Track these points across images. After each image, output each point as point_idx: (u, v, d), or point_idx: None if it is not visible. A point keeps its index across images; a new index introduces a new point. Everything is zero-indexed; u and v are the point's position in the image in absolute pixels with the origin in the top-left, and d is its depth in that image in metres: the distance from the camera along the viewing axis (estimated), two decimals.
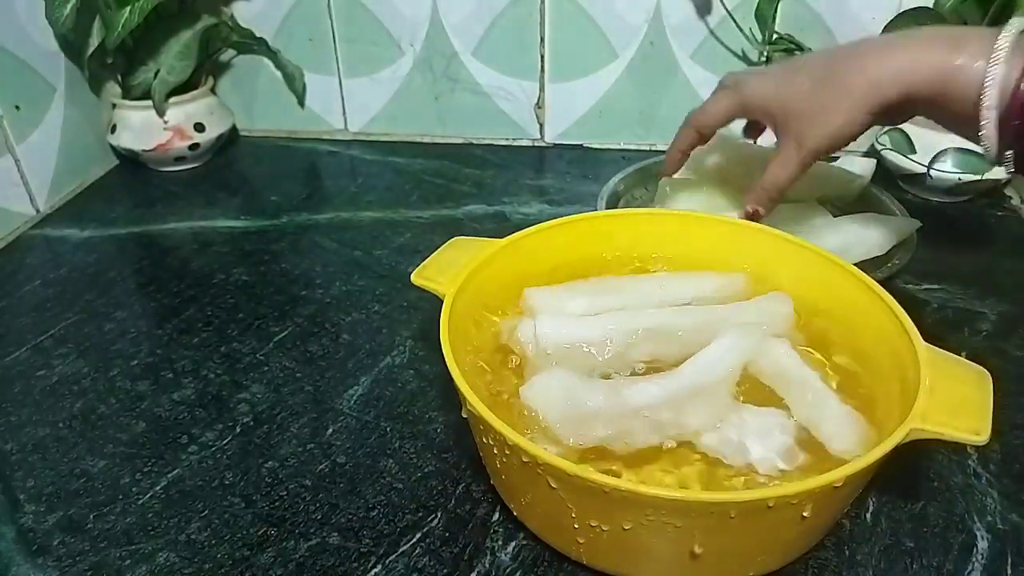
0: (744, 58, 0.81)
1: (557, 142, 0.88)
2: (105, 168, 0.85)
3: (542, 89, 0.85)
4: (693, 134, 0.56)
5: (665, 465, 0.40)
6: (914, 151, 0.72)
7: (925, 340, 0.40)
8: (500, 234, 0.50)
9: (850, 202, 0.65)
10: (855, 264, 0.46)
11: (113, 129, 0.82)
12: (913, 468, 0.46)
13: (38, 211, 0.76)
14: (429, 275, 0.46)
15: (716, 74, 0.81)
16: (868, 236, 0.59)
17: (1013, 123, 0.40)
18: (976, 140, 0.43)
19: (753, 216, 0.52)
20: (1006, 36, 0.41)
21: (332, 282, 0.65)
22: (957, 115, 0.43)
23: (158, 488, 0.46)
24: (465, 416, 0.40)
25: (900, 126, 0.74)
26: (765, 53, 0.79)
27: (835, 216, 0.62)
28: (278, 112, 0.91)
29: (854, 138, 0.48)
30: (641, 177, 0.71)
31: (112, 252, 0.71)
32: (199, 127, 0.83)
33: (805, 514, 0.34)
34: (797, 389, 0.42)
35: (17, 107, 0.73)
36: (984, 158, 0.44)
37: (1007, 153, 0.42)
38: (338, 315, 0.61)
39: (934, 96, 0.43)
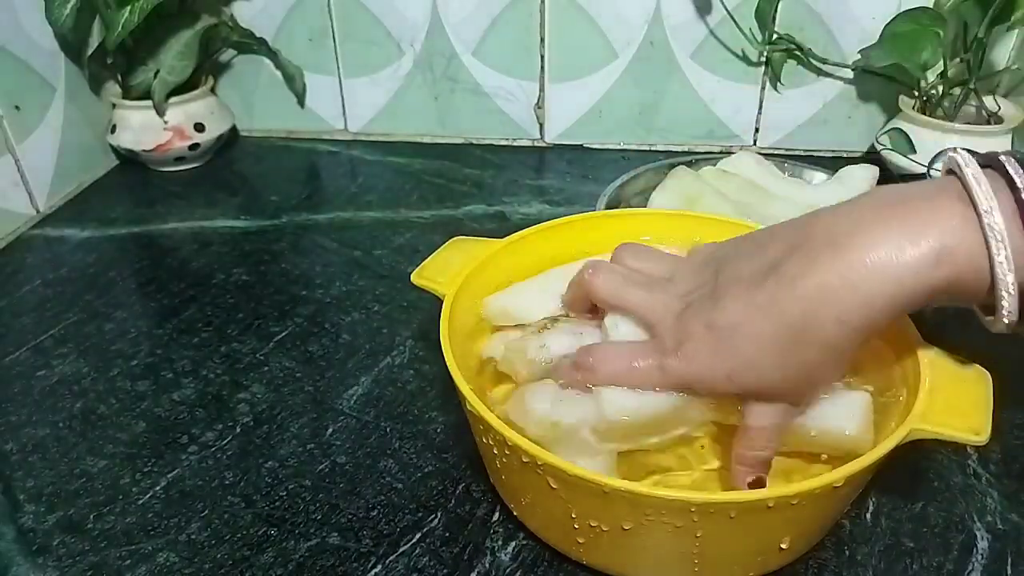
0: (744, 58, 0.81)
1: (557, 142, 0.88)
2: (105, 168, 0.85)
3: (542, 89, 0.85)
4: (584, 386, 0.40)
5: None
6: (914, 151, 0.72)
7: (925, 340, 0.40)
8: (500, 234, 0.50)
9: None
10: None
11: (113, 129, 0.82)
12: (913, 468, 0.46)
13: (38, 211, 0.76)
14: (429, 275, 0.46)
15: (716, 74, 0.82)
16: None
17: None
18: (985, 309, 0.36)
19: (757, 484, 0.39)
20: (979, 191, 0.32)
21: (332, 282, 0.65)
22: (963, 298, 0.35)
23: (158, 488, 0.46)
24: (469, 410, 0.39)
25: (900, 126, 0.74)
26: (765, 53, 0.80)
27: None
28: (278, 112, 0.91)
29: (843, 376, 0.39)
30: (644, 179, 0.72)
31: (112, 252, 0.71)
32: (199, 127, 0.83)
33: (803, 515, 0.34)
34: None
35: (17, 107, 0.73)
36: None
37: None
38: (338, 315, 0.61)
39: (930, 301, 0.34)
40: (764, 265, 0.36)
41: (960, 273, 0.32)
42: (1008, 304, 0.33)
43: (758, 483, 0.38)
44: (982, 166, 0.33)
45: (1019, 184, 0.31)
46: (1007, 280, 0.32)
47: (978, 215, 0.31)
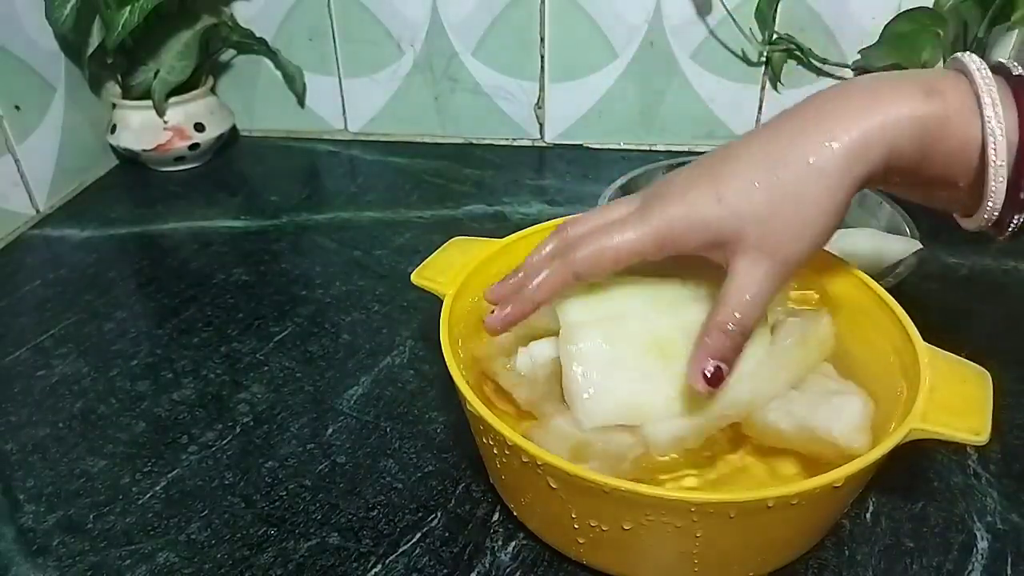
0: (744, 58, 0.81)
1: (557, 142, 0.88)
2: (105, 168, 0.85)
3: (542, 89, 0.85)
4: (568, 279, 0.39)
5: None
6: None
7: (925, 340, 0.40)
8: (500, 234, 0.50)
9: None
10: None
11: (113, 129, 0.82)
12: (913, 468, 0.46)
13: (38, 211, 0.76)
14: (429, 275, 0.46)
15: (716, 74, 0.82)
16: (866, 254, 0.56)
17: None
18: (968, 203, 0.37)
19: (715, 379, 0.36)
20: (977, 67, 0.34)
21: (332, 282, 0.65)
22: (943, 177, 0.36)
23: (158, 488, 0.46)
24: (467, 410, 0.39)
25: None
26: (765, 53, 0.79)
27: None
28: (278, 112, 0.91)
29: (839, 226, 0.36)
30: (644, 179, 0.72)
31: (112, 252, 0.71)
32: (199, 127, 0.83)
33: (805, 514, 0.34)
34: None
35: (17, 107, 0.73)
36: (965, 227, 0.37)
37: (1016, 218, 0.35)
38: (338, 315, 0.61)
39: (919, 154, 0.34)
40: (752, 136, 0.37)
41: (948, 115, 0.34)
42: (995, 188, 0.34)
43: (717, 376, 0.36)
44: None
45: (1010, 68, 0.34)
46: (996, 135, 0.33)
47: (970, 77, 0.34)
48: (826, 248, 0.47)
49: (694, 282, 0.42)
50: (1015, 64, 0.34)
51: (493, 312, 0.41)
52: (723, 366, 0.36)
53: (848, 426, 0.38)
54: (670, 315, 0.40)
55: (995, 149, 0.33)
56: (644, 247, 0.37)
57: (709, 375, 0.36)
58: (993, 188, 0.34)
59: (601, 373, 0.39)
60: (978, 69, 0.34)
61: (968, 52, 0.35)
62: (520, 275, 0.41)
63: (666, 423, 0.39)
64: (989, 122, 0.33)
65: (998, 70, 0.35)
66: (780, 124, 0.36)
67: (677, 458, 0.39)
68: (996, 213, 0.35)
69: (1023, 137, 0.33)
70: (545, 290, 0.39)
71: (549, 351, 0.42)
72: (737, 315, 0.36)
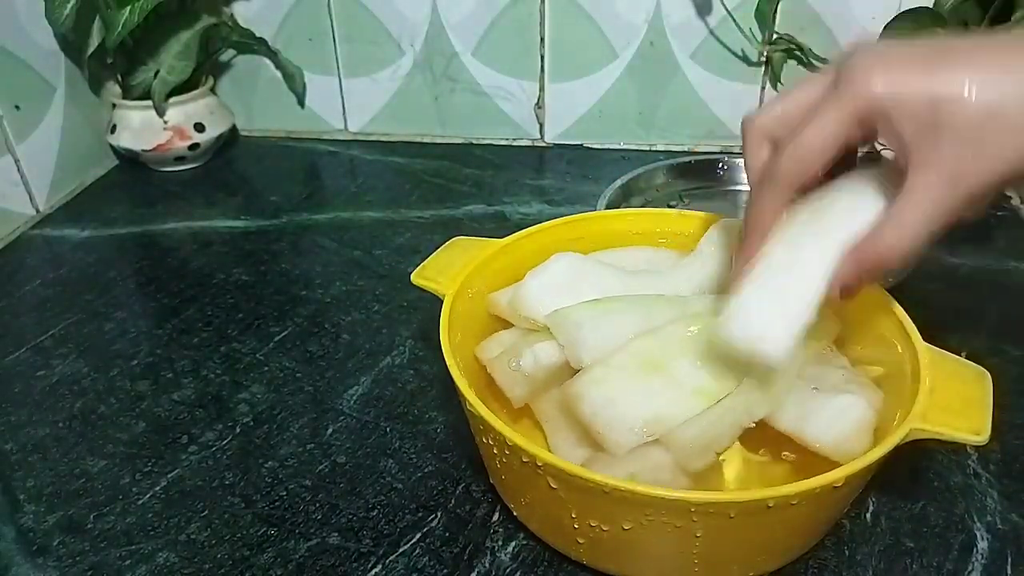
0: (744, 58, 0.81)
1: (557, 142, 0.88)
2: (105, 168, 0.85)
3: (542, 89, 0.85)
4: (784, 200, 0.36)
5: None
6: None
7: (925, 340, 0.40)
8: (500, 234, 0.50)
9: None
10: None
11: (113, 129, 0.82)
12: (913, 468, 0.46)
13: (38, 211, 0.76)
14: (429, 275, 0.46)
15: (716, 74, 0.82)
16: None
17: None
18: None
19: (847, 293, 0.35)
20: None
21: (332, 282, 0.65)
22: None
23: (158, 488, 0.46)
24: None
25: None
26: (765, 53, 0.79)
27: None
28: (278, 112, 0.91)
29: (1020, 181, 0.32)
30: (644, 179, 0.72)
31: (112, 252, 0.71)
32: (199, 127, 0.83)
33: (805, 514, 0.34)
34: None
35: (17, 107, 0.73)
36: None
37: None
38: (338, 315, 0.61)
39: None
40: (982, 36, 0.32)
41: None
42: None
43: (848, 291, 0.34)
44: None
45: None
46: None
47: None
48: None
49: (681, 302, 0.44)
50: None
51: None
52: (856, 286, 0.35)
53: (840, 434, 0.38)
54: (656, 336, 0.41)
55: None
56: (847, 131, 0.33)
57: (845, 290, 0.35)
58: None
59: (609, 411, 0.39)
60: None
61: None
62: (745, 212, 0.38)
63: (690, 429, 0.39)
64: None
65: None
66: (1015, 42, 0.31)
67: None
68: None
69: None
70: (763, 218, 0.36)
71: (553, 352, 0.43)
72: (893, 242, 0.33)
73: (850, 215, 0.35)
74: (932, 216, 0.32)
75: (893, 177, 0.34)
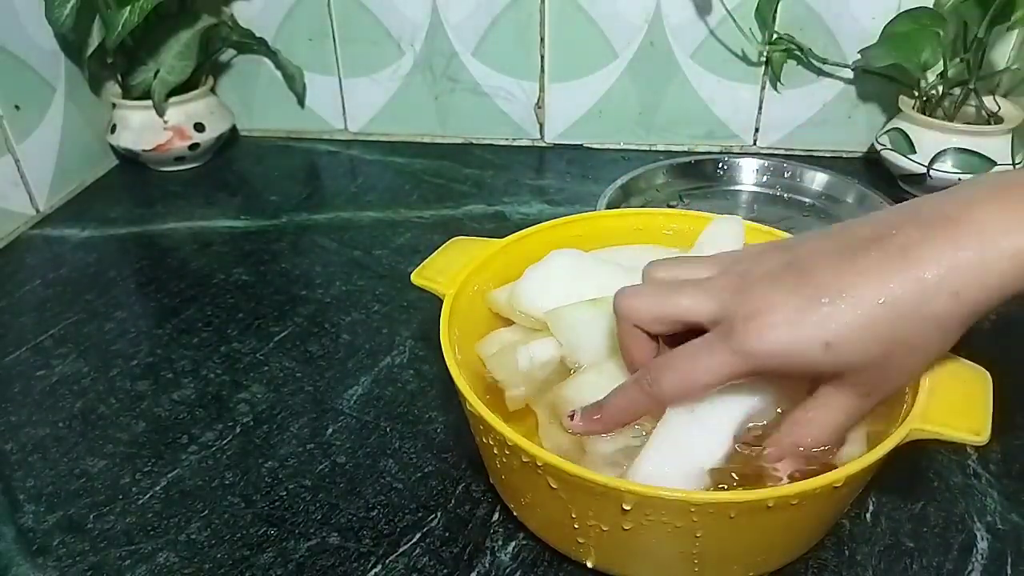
0: (744, 58, 0.81)
1: (557, 142, 0.88)
2: (105, 168, 0.85)
3: (542, 89, 0.85)
4: (653, 406, 0.37)
5: None
6: (914, 151, 0.72)
7: None
8: (500, 234, 0.50)
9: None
10: None
11: (113, 129, 0.82)
12: (913, 468, 0.46)
13: (38, 211, 0.76)
14: (429, 275, 0.46)
15: (716, 74, 0.82)
16: None
17: None
18: None
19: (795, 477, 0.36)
20: None
21: (332, 282, 0.65)
22: None
23: (158, 488, 0.46)
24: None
25: (900, 126, 0.74)
26: (765, 53, 0.79)
27: None
28: (278, 112, 0.91)
29: None
30: (644, 179, 0.72)
31: (112, 252, 0.71)
32: (199, 127, 0.83)
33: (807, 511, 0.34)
34: None
35: (17, 107, 0.73)
36: None
37: None
38: (338, 315, 0.61)
39: None
40: (856, 240, 0.33)
41: None
42: None
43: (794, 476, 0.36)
44: None
45: None
46: None
47: None
48: None
49: None
50: None
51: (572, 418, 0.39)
52: (798, 474, 0.36)
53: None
54: None
55: None
56: (735, 374, 0.34)
57: (795, 475, 0.36)
58: None
59: None
60: None
61: None
62: (600, 401, 0.39)
63: None
64: None
65: None
66: (892, 259, 0.32)
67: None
68: None
69: None
70: (626, 411, 0.38)
71: (550, 350, 0.43)
72: (808, 441, 0.36)
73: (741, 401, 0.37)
74: (852, 415, 0.35)
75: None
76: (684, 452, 0.36)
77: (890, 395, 0.35)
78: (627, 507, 0.33)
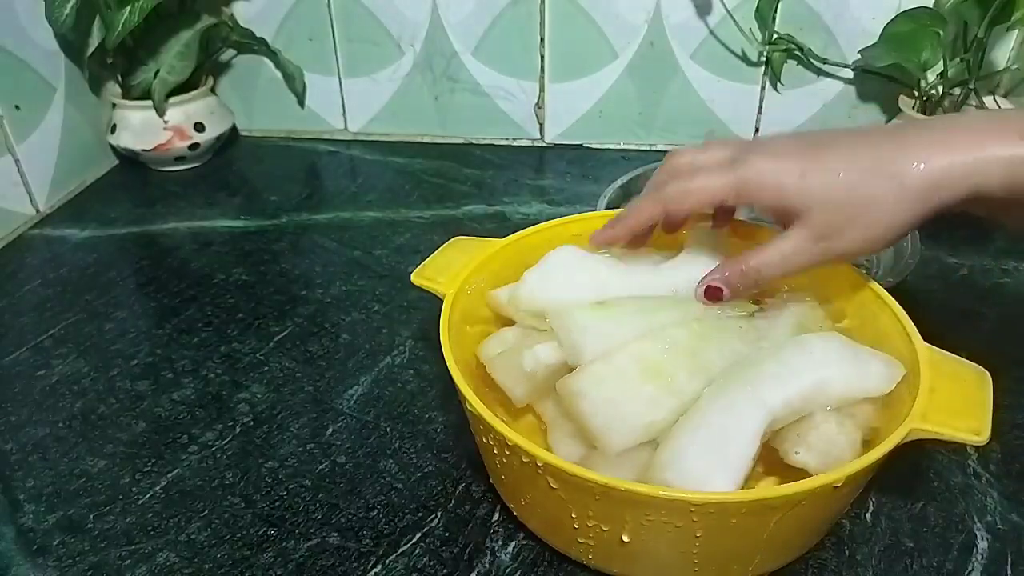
0: (744, 58, 0.81)
1: (557, 142, 0.88)
2: (105, 168, 0.85)
3: (542, 89, 0.85)
4: (658, 210, 0.42)
5: None
6: None
7: (925, 340, 0.40)
8: (500, 234, 0.50)
9: None
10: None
11: (113, 129, 0.82)
12: (913, 468, 0.46)
13: (38, 211, 0.76)
14: (429, 275, 0.46)
15: (716, 74, 0.82)
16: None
17: None
18: None
19: (711, 294, 0.42)
20: None
21: (332, 282, 0.65)
22: None
23: (158, 488, 0.46)
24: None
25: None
26: (765, 53, 0.79)
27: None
28: (278, 112, 0.91)
29: (895, 242, 0.40)
30: (644, 179, 0.71)
31: (112, 252, 0.71)
32: (199, 127, 0.83)
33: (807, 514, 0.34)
34: None
35: (17, 107, 0.73)
36: None
37: None
38: (338, 315, 0.61)
39: (1006, 192, 0.36)
40: (862, 128, 0.40)
41: None
42: None
43: (714, 294, 0.42)
44: None
45: None
46: None
47: None
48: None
49: (687, 304, 0.44)
50: None
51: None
52: (724, 290, 0.42)
53: (826, 461, 0.38)
54: (659, 338, 0.42)
55: None
56: (724, 194, 0.40)
57: (709, 290, 0.42)
58: None
59: (608, 412, 0.39)
60: None
61: None
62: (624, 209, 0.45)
63: None
64: None
65: None
66: (886, 133, 0.38)
67: None
68: None
69: None
70: (638, 215, 0.44)
71: (554, 352, 0.43)
72: (760, 267, 0.40)
73: (778, 381, 0.38)
74: (800, 257, 0.39)
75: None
76: (720, 446, 0.37)
77: (850, 249, 0.39)
78: (627, 508, 0.33)
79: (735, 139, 0.43)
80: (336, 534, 0.43)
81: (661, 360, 0.40)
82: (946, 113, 0.38)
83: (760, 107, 0.83)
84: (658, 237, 0.52)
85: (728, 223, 0.48)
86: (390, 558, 0.42)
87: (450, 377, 0.38)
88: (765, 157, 0.39)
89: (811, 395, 0.38)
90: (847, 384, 0.39)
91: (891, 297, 0.43)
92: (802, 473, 0.38)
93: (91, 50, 0.77)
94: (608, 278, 0.46)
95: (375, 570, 0.41)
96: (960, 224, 0.72)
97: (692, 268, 0.47)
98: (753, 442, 0.37)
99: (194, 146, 0.83)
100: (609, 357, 0.40)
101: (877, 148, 0.37)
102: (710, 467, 0.36)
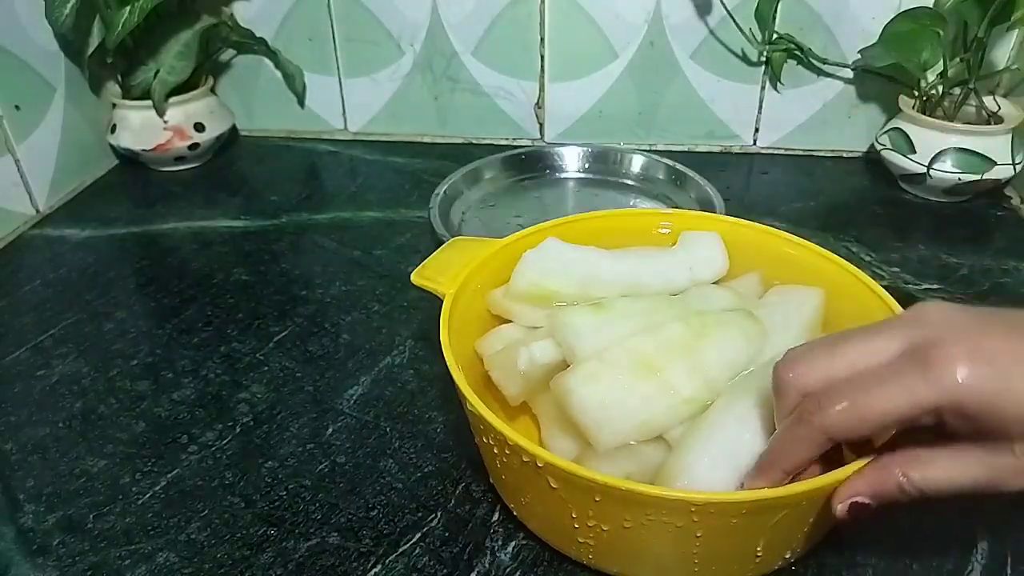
0: (744, 58, 0.81)
1: (557, 142, 0.88)
2: (105, 168, 0.85)
3: (542, 89, 0.85)
4: (817, 450, 0.32)
5: None
6: (914, 151, 0.72)
7: None
8: (500, 234, 0.50)
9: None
10: None
11: (113, 129, 0.82)
12: None
13: (38, 211, 0.76)
14: (429, 275, 0.46)
15: (716, 74, 0.82)
16: None
17: None
18: None
19: (855, 511, 0.32)
20: None
21: (332, 282, 0.65)
22: None
23: (158, 488, 0.46)
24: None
25: (900, 125, 0.74)
26: (765, 53, 0.79)
27: None
28: (278, 112, 0.91)
29: None
30: (470, 177, 0.77)
31: (112, 252, 0.71)
32: (199, 127, 0.83)
33: (810, 519, 0.34)
34: None
35: (17, 107, 0.73)
36: None
37: None
38: (338, 315, 0.61)
39: None
40: None
41: None
42: None
43: (860, 510, 0.32)
44: None
45: None
46: None
47: None
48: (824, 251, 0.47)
49: (683, 304, 0.45)
50: None
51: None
52: (873, 506, 0.32)
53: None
54: (655, 335, 0.42)
55: None
56: (921, 408, 0.29)
57: (854, 507, 0.32)
58: None
59: (598, 412, 0.39)
60: None
61: None
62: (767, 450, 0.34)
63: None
64: None
65: None
66: None
67: None
68: None
69: None
70: (792, 461, 0.33)
71: (550, 351, 0.43)
72: (925, 486, 0.32)
73: None
74: (968, 487, 0.32)
75: None
76: (733, 456, 0.37)
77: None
78: (628, 508, 0.33)
79: (907, 318, 0.32)
80: (336, 534, 0.43)
81: (656, 358, 0.40)
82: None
83: (760, 107, 0.83)
84: (660, 236, 0.52)
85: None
86: (390, 558, 0.42)
87: (450, 377, 0.38)
88: (985, 352, 0.28)
89: None
90: None
91: (891, 297, 0.43)
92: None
93: (91, 50, 0.77)
94: (600, 265, 0.47)
95: (375, 570, 0.41)
96: (960, 223, 0.72)
97: (684, 254, 0.48)
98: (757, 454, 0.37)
99: (194, 146, 0.83)
100: (603, 355, 0.40)
101: None
102: (723, 478, 0.36)
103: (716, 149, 0.86)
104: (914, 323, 0.31)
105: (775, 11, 0.77)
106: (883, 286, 0.44)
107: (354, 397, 0.53)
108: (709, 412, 0.39)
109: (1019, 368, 0.28)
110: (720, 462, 0.37)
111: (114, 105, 0.82)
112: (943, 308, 0.31)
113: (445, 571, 0.41)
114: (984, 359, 0.28)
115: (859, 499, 0.31)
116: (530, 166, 0.80)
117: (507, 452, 0.36)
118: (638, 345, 0.41)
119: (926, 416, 0.29)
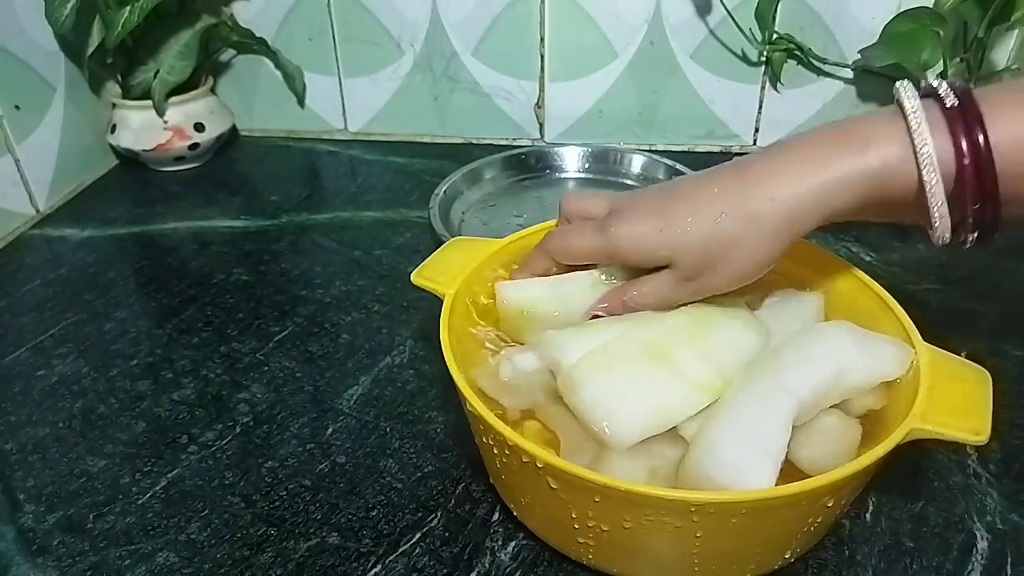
0: (744, 58, 0.81)
1: (557, 142, 0.88)
2: (105, 168, 0.85)
3: (542, 89, 0.85)
4: (548, 261, 0.46)
5: None
6: None
7: (925, 340, 0.40)
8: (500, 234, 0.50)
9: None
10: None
11: (113, 129, 0.82)
12: (913, 468, 0.46)
13: (38, 211, 0.76)
14: (429, 275, 0.46)
15: (716, 74, 0.82)
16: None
17: (972, 204, 0.35)
18: (928, 226, 0.37)
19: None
20: (912, 108, 0.35)
21: (332, 282, 0.65)
22: (895, 210, 0.37)
23: (158, 488, 0.46)
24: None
25: None
26: (765, 53, 0.79)
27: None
28: (278, 112, 0.91)
29: (767, 270, 0.40)
30: (470, 177, 0.76)
31: (112, 252, 0.71)
32: (199, 127, 0.83)
33: (811, 519, 0.34)
34: None
35: (17, 107, 0.73)
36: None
37: (968, 237, 0.36)
38: (338, 315, 0.61)
39: (861, 204, 0.37)
40: (717, 167, 0.41)
41: (886, 166, 0.35)
42: (938, 218, 0.36)
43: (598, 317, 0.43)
44: (921, 96, 0.36)
45: (944, 97, 0.35)
46: (932, 181, 0.35)
47: (906, 120, 0.35)
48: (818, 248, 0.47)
49: (673, 320, 0.43)
50: (948, 91, 0.35)
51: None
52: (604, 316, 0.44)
53: (827, 458, 0.38)
54: (655, 323, 0.42)
55: (932, 192, 0.35)
56: (596, 255, 0.43)
57: (594, 319, 0.44)
58: (937, 222, 0.36)
59: (610, 400, 0.38)
60: (912, 109, 0.35)
61: (906, 81, 0.36)
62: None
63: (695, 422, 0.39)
64: (924, 163, 0.34)
65: (933, 97, 0.35)
66: (731, 172, 0.39)
67: None
68: (947, 235, 0.37)
69: (960, 165, 0.34)
70: (531, 267, 0.46)
71: (530, 361, 0.42)
72: (638, 301, 0.42)
73: (801, 368, 0.39)
74: (673, 295, 0.41)
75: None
76: (755, 435, 0.36)
77: (721, 285, 0.40)
78: (628, 508, 0.33)
79: (605, 191, 0.45)
80: (336, 534, 0.43)
81: (662, 344, 0.40)
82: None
83: (760, 107, 0.83)
84: None
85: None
86: (390, 558, 0.42)
87: (450, 377, 0.38)
88: (626, 222, 0.41)
89: (833, 382, 0.38)
90: (865, 368, 0.39)
91: (891, 297, 0.43)
92: (802, 473, 0.38)
93: (91, 50, 0.77)
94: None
95: (375, 570, 0.41)
96: None
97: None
98: (786, 428, 0.36)
99: (194, 146, 0.83)
100: (606, 344, 0.40)
101: (724, 191, 0.39)
102: (748, 456, 0.35)
103: (716, 149, 0.86)
104: (620, 195, 0.44)
105: (775, 11, 0.77)
106: (883, 286, 0.44)
107: (354, 397, 0.53)
108: (727, 396, 0.39)
109: (651, 219, 0.40)
110: (741, 441, 0.36)
111: (114, 105, 0.82)
112: (639, 193, 0.43)
113: (445, 571, 0.41)
114: (626, 218, 0.41)
115: (597, 311, 0.44)
116: (530, 166, 0.80)
117: (507, 452, 0.36)
118: (642, 335, 0.40)
119: (603, 257, 0.43)
